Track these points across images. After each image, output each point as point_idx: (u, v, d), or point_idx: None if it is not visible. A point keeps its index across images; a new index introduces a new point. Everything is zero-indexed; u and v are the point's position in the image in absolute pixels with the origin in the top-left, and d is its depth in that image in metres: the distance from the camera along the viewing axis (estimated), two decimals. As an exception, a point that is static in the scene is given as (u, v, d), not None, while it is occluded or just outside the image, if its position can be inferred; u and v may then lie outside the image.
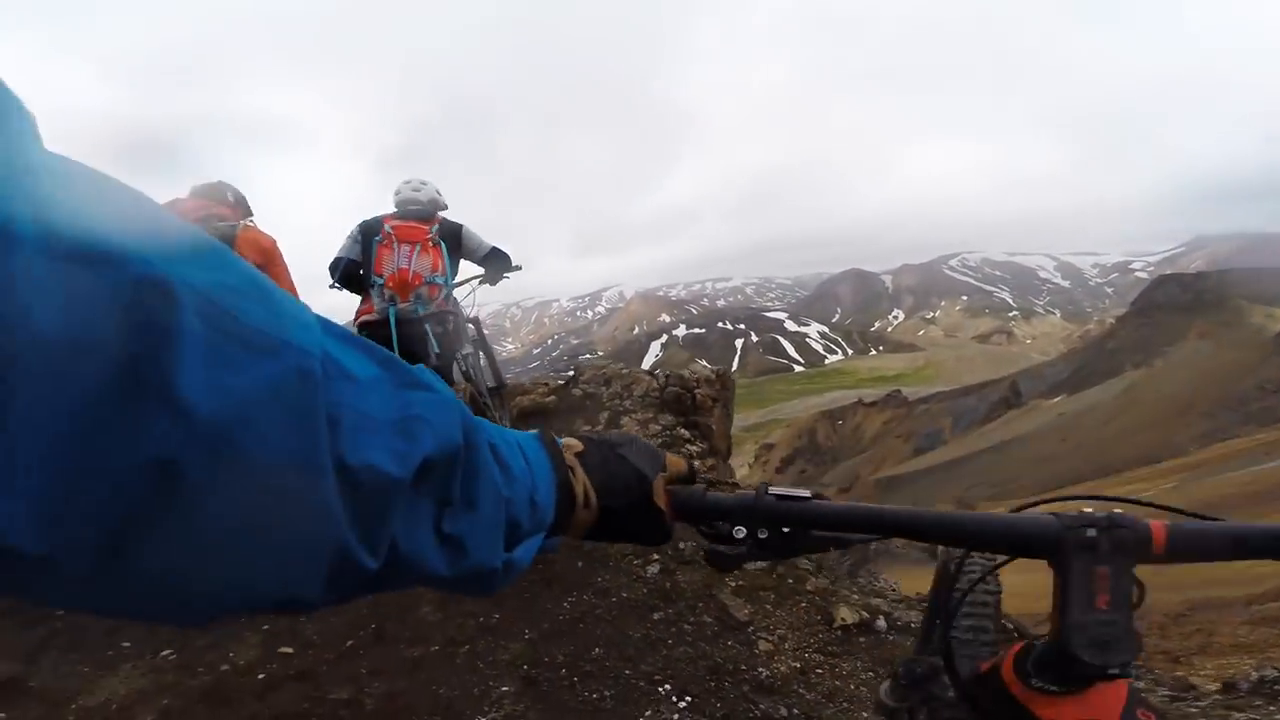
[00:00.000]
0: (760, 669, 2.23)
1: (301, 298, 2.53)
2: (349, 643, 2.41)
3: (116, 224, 0.23)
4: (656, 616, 2.52)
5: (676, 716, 2.04)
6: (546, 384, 5.65)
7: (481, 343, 3.69)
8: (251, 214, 3.30)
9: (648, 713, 2.06)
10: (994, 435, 55.47)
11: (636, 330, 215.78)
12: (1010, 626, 2.58)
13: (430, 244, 3.22)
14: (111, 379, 0.22)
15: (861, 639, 2.43)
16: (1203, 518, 0.47)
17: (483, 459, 0.38)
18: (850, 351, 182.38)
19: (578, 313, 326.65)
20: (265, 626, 2.48)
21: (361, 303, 3.33)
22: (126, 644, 2.41)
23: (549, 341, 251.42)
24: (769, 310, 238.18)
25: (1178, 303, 63.09)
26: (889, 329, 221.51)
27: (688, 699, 2.10)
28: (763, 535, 0.49)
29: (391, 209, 3.44)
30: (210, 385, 0.24)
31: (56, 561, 0.23)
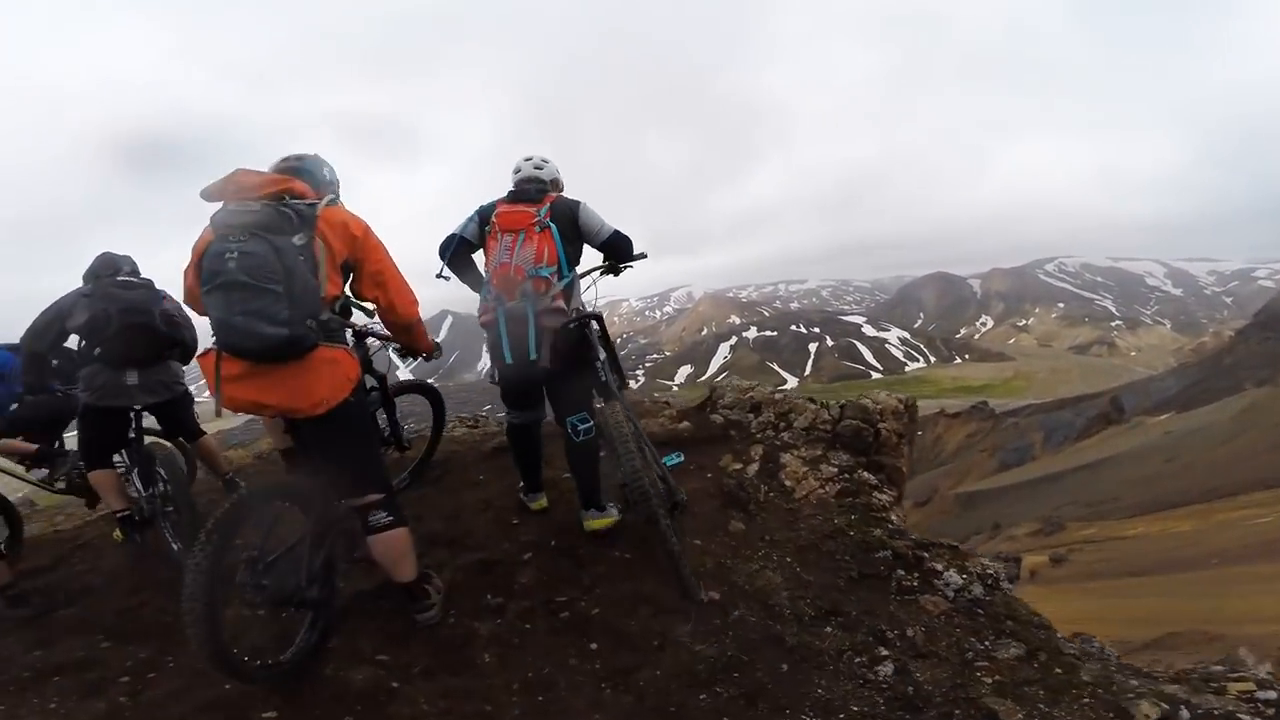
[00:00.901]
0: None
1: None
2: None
3: None
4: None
5: None
6: (668, 404, 5.10)
7: (604, 340, 3.23)
8: (338, 196, 2.70)
9: None
10: (1090, 453, 51.47)
11: (705, 331, 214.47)
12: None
13: (535, 230, 2.85)
14: None
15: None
16: None
17: None
18: (933, 359, 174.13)
19: (646, 312, 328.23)
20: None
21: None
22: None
23: (617, 341, 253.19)
24: (845, 314, 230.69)
25: (1313, 315, 56.57)
26: (976, 336, 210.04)
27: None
28: None
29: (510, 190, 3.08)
30: None
31: None
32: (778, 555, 3.32)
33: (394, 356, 3.14)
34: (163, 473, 3.50)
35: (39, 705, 2.31)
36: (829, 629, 2.76)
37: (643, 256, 3.14)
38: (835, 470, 4.01)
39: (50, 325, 3.47)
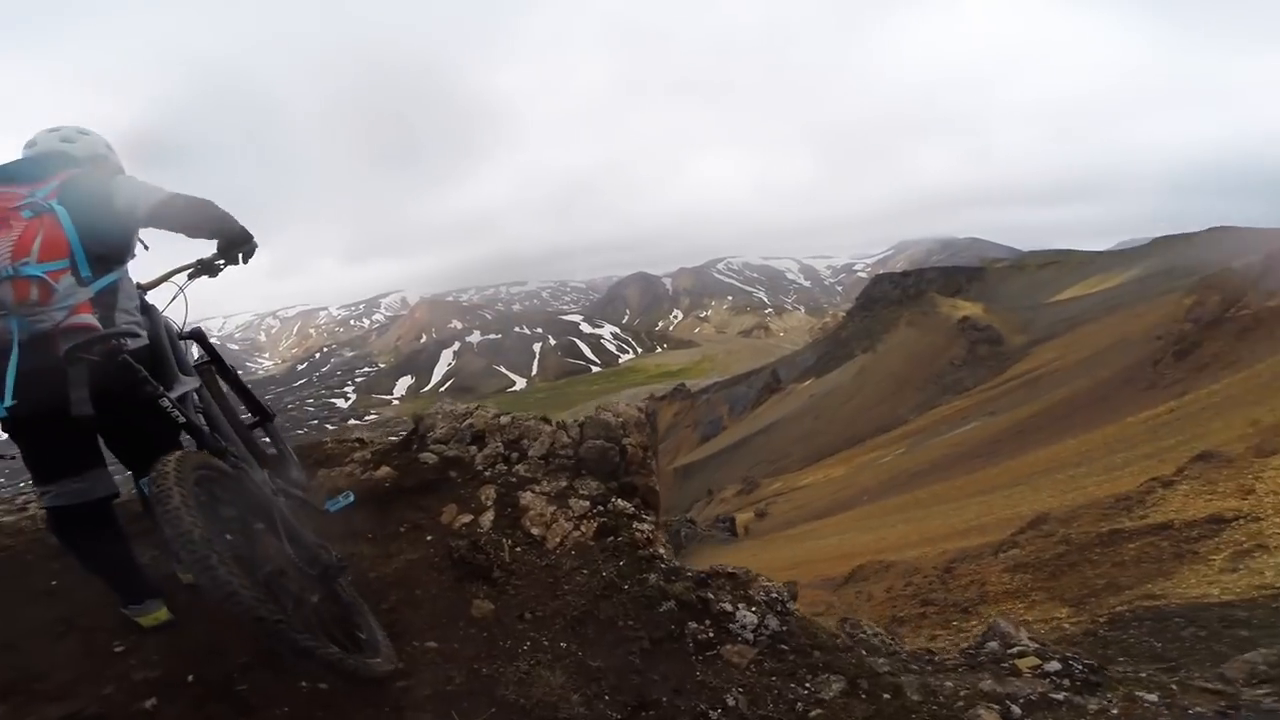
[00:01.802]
0: None
1: None
2: None
3: None
4: None
5: None
6: (361, 442, 4.01)
7: (216, 366, 2.76)
8: None
9: None
10: (763, 418, 62.54)
11: (424, 339, 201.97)
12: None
13: (21, 215, 2.00)
14: None
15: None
16: None
17: None
18: (640, 350, 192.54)
19: (351, 321, 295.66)
20: None
21: None
22: None
23: (317, 355, 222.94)
24: (565, 313, 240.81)
25: (890, 297, 77.62)
26: (670, 328, 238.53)
27: None
28: None
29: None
30: None
31: None
32: (548, 639, 2.55)
33: None
34: None
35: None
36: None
37: (249, 244, 2.37)
38: (587, 504, 3.36)
39: None
